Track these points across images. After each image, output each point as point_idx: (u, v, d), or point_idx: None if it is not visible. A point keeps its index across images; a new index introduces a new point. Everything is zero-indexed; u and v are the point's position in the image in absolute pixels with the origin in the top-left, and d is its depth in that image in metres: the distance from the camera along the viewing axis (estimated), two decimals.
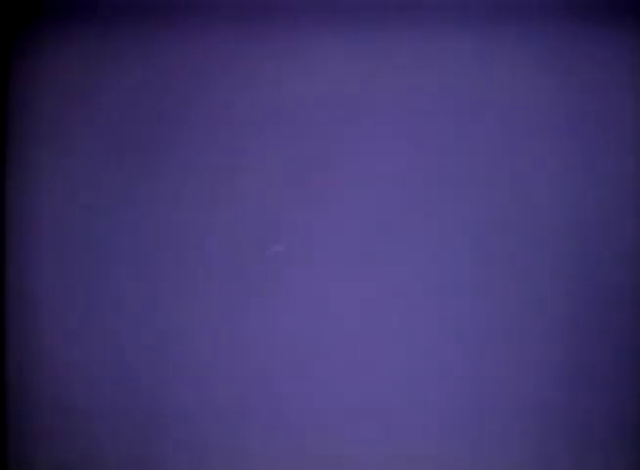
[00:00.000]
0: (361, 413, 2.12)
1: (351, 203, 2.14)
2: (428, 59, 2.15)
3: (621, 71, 2.14)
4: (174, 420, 2.13)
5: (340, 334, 2.13)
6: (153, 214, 2.14)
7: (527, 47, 2.15)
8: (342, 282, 2.13)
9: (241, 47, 2.15)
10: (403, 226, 2.14)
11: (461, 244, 2.13)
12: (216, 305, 2.13)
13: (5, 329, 2.12)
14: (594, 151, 2.14)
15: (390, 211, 2.14)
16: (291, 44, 2.15)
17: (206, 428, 2.13)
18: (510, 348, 2.13)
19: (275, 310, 2.13)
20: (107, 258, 2.14)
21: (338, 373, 2.12)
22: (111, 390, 2.13)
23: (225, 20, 2.15)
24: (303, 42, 2.14)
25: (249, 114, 2.15)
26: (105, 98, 2.15)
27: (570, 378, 2.13)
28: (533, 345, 2.13)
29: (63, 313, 2.13)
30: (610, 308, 2.12)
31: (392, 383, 2.12)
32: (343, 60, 2.15)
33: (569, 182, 2.14)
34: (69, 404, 2.13)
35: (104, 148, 2.15)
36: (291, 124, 2.15)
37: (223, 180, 2.15)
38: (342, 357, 2.13)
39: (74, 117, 2.15)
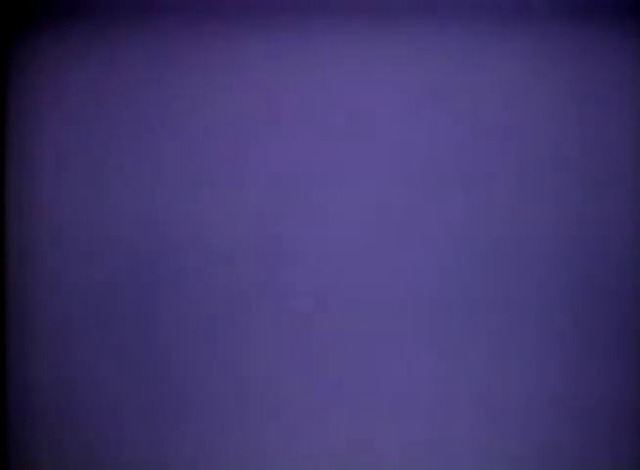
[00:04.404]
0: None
1: (350, 202, 2.14)
2: (427, 59, 2.15)
3: (622, 72, 2.14)
4: (175, 419, 2.14)
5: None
6: (153, 215, 2.15)
7: (527, 47, 2.15)
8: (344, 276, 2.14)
9: (241, 47, 2.15)
10: (403, 226, 2.14)
11: (460, 243, 2.14)
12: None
13: (5, 329, 2.12)
14: (594, 151, 2.15)
15: (391, 210, 2.14)
16: (290, 43, 2.15)
17: (217, 417, 2.14)
18: (506, 342, 2.13)
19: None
20: (107, 263, 2.14)
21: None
22: (112, 388, 2.13)
23: (225, 19, 2.15)
24: (302, 41, 2.14)
25: (249, 113, 2.15)
26: (104, 97, 2.15)
27: (569, 376, 2.13)
28: (534, 342, 2.14)
29: (63, 313, 2.13)
30: (611, 310, 2.13)
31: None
32: (343, 59, 2.15)
33: (568, 181, 2.14)
34: (70, 404, 2.13)
35: (104, 147, 2.15)
36: (290, 122, 2.15)
37: (222, 178, 2.15)
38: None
39: (74, 117, 2.15)
